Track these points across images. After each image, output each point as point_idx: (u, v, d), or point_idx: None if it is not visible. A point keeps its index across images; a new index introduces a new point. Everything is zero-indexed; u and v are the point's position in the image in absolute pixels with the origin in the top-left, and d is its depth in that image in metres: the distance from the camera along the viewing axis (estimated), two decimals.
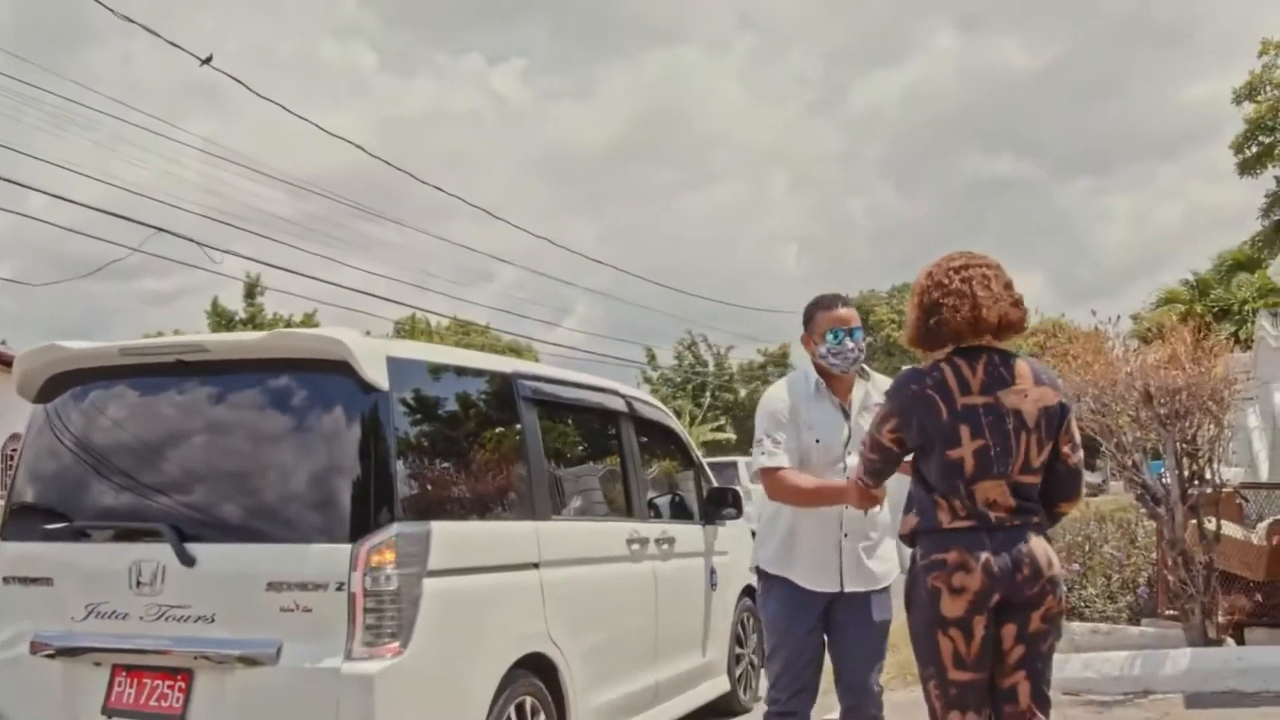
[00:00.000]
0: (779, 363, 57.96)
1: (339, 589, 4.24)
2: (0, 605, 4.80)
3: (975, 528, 3.65)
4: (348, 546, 4.27)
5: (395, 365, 4.56)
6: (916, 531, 3.78)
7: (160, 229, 16.24)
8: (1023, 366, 3.76)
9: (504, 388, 5.32)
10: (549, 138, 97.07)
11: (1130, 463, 7.47)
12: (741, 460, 28.86)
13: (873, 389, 4.66)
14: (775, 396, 4.63)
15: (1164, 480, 7.45)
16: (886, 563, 4.64)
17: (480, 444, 5.14)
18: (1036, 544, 3.69)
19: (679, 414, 46.07)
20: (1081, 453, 3.85)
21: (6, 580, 4.80)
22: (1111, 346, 7.53)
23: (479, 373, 5.26)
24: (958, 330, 3.72)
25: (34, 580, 4.72)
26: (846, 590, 4.52)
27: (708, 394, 50.70)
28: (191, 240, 17.33)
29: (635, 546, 6.07)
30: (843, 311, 4.60)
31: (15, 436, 19.53)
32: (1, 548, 4.88)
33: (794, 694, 4.53)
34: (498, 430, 5.24)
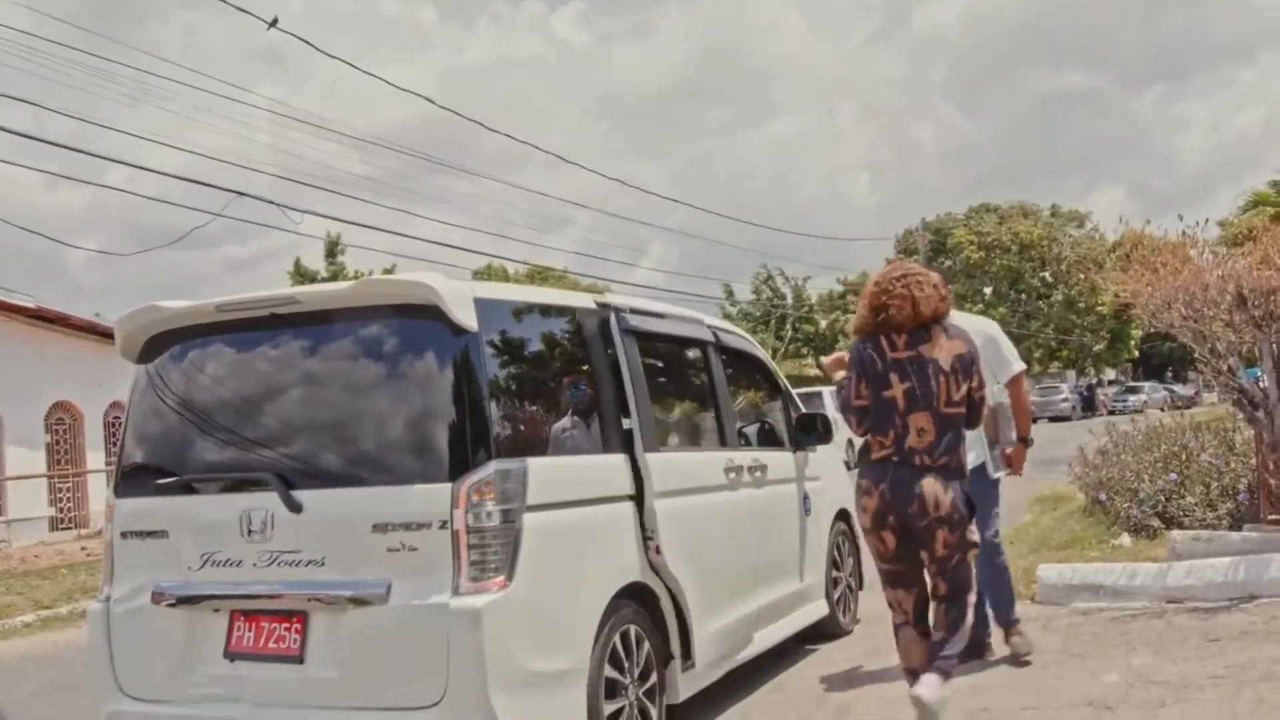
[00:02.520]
0: (859, 291, 57.43)
1: (442, 527, 4.33)
2: (120, 559, 4.99)
3: (886, 460, 4.88)
4: (448, 485, 4.36)
5: (483, 306, 4.61)
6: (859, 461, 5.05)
7: (241, 193, 16.41)
8: (936, 330, 4.93)
9: (595, 322, 5.35)
10: (611, 81, 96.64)
11: (1226, 368, 7.34)
12: (826, 390, 28.81)
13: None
14: None
15: (1261, 384, 7.31)
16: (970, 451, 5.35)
17: (572, 379, 5.20)
18: (929, 486, 4.81)
19: (766, 346, 45.96)
20: (985, 389, 5.08)
21: (125, 535, 4.97)
22: (1201, 251, 7.37)
23: (565, 310, 5.28)
24: (901, 323, 4.89)
25: (150, 534, 4.89)
26: None
27: (789, 326, 50.44)
28: (271, 202, 17.50)
29: (732, 475, 6.13)
30: None
31: (116, 404, 20.03)
32: (118, 505, 5.05)
33: None
34: (588, 365, 5.27)
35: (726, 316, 51.26)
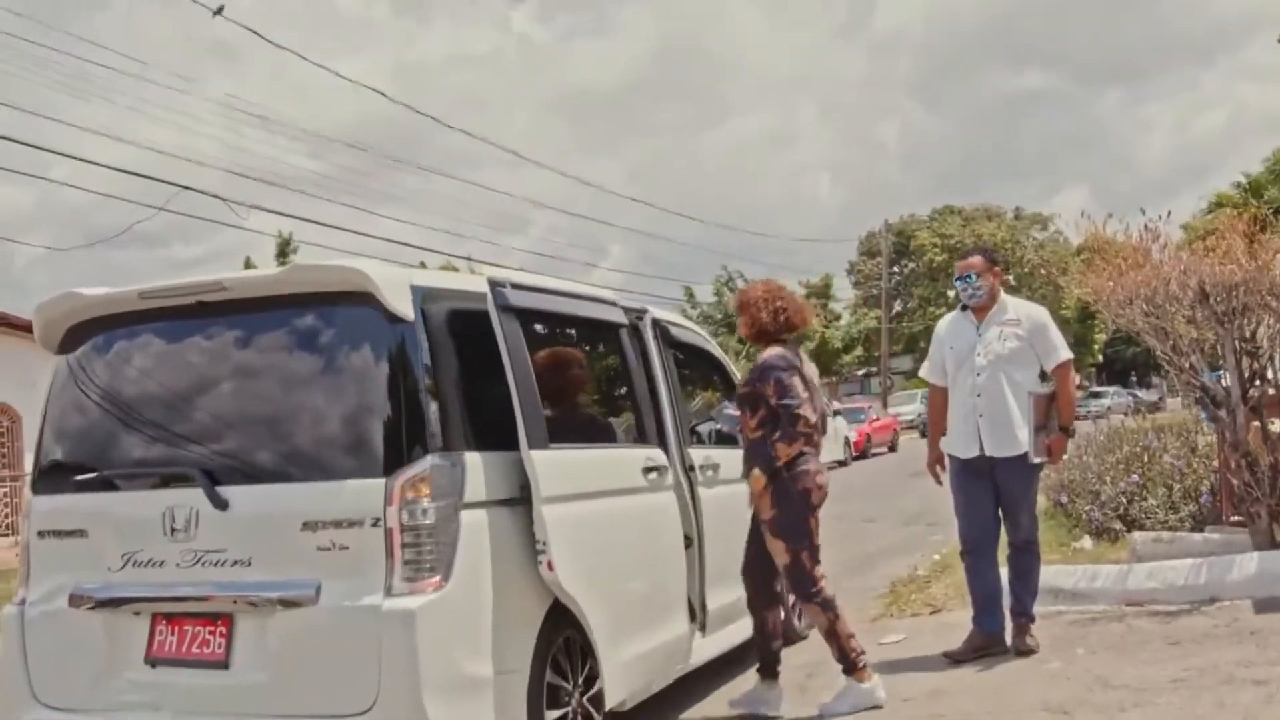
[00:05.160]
0: (821, 294, 57.50)
1: (375, 525, 4.15)
2: (37, 559, 4.76)
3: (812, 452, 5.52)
4: (381, 481, 4.18)
5: (421, 294, 4.42)
6: (789, 462, 5.44)
7: (185, 187, 16.12)
8: (802, 351, 5.70)
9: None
10: (571, 78, 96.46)
11: (1188, 365, 7.23)
12: None
13: (1000, 308, 6.30)
14: (938, 325, 6.66)
15: (1223, 382, 7.21)
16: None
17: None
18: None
19: (723, 350, 45.77)
20: None
21: (42, 534, 4.75)
22: (1163, 244, 7.26)
23: None
24: (794, 325, 5.67)
25: (68, 533, 4.66)
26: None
27: None
28: (216, 196, 17.18)
29: (654, 476, 5.47)
30: (959, 264, 6.53)
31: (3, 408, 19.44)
32: (34, 503, 4.83)
33: None
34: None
35: (687, 319, 50.97)
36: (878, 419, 35.32)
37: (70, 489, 4.69)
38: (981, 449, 6.17)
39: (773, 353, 5.56)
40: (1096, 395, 54.94)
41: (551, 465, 4.57)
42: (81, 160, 40.76)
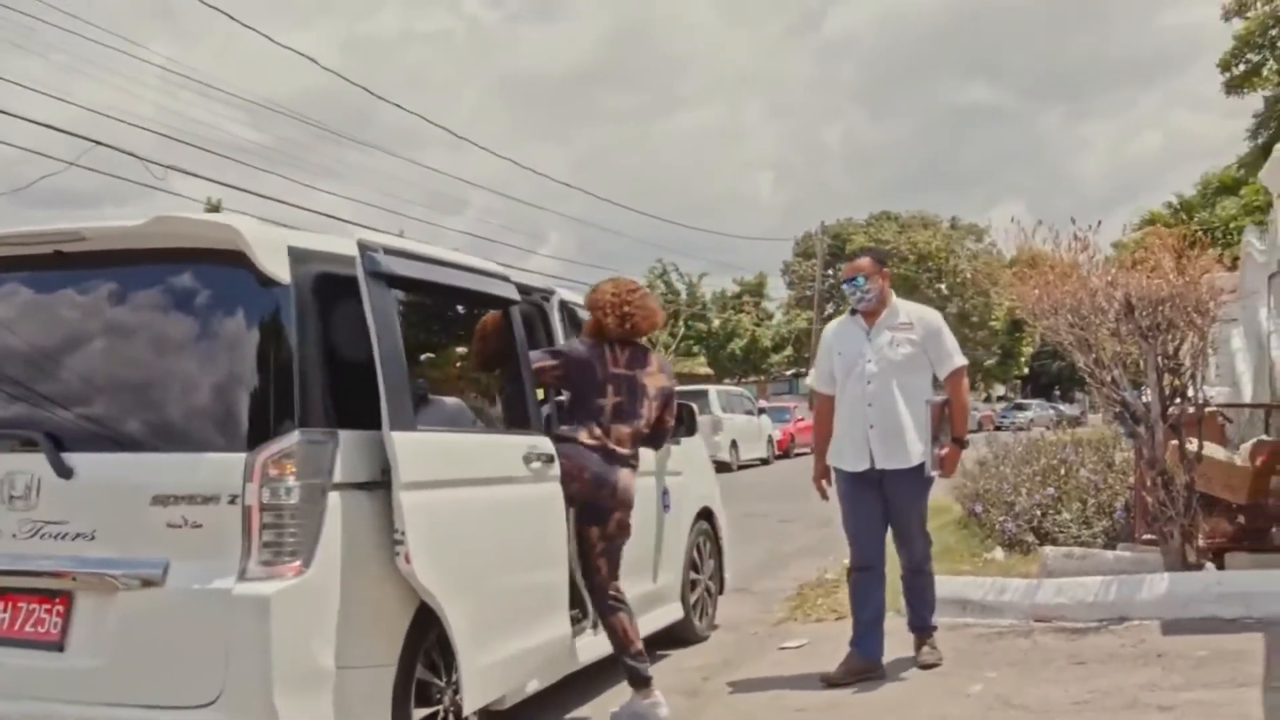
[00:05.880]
0: (755, 292, 57.55)
1: (232, 502, 3.81)
2: None
3: (595, 448, 5.32)
4: (242, 455, 3.84)
5: (299, 256, 4.08)
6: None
7: (97, 142, 15.50)
8: (653, 358, 5.61)
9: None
10: (517, 61, 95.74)
11: (1109, 379, 7.07)
12: (713, 389, 28.60)
13: (892, 312, 5.98)
14: (824, 331, 6.33)
15: (1144, 398, 7.06)
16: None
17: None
18: (624, 475, 5.37)
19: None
20: (673, 421, 5.82)
21: None
22: (1091, 255, 7.09)
23: None
24: (639, 331, 5.53)
25: None
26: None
27: (681, 323, 50.22)
28: (131, 154, 16.56)
29: (537, 465, 4.98)
30: (846, 267, 6.20)
31: None
32: None
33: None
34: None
35: None
36: (802, 419, 35.25)
37: None
38: (872, 462, 5.84)
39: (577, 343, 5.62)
40: (1020, 408, 55.50)
41: (415, 448, 4.17)
42: (6, 114, 39.24)
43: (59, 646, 3.97)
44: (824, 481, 6.17)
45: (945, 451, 5.89)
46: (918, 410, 5.82)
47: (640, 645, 5.39)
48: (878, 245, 60.00)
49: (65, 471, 3.98)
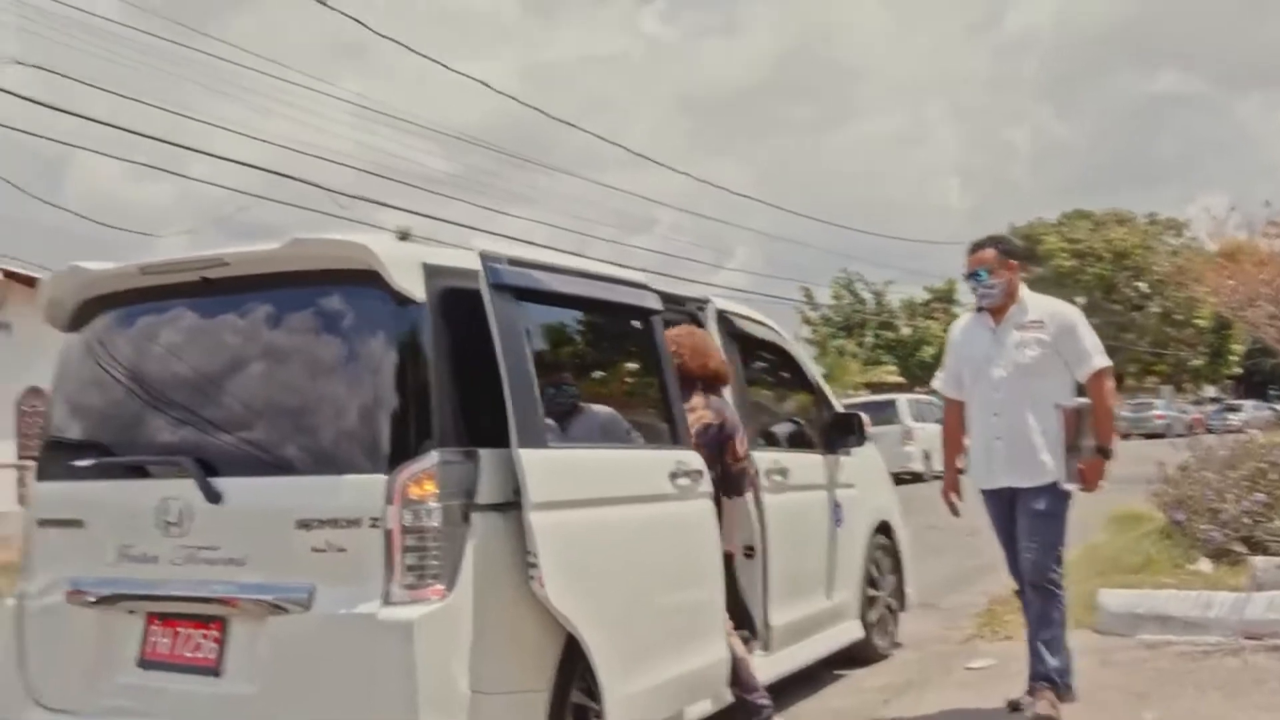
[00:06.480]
0: (945, 298, 56.19)
1: (374, 525, 3.76)
2: (37, 550, 4.48)
3: None
4: (383, 477, 3.78)
5: (433, 274, 4.01)
6: None
7: (282, 175, 16.16)
8: (696, 395, 5.26)
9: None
10: (695, 77, 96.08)
11: None
12: (903, 398, 27.91)
13: (1020, 309, 5.31)
14: (951, 329, 5.75)
15: None
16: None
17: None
18: None
19: (841, 353, 45.00)
20: (738, 463, 5.31)
21: (42, 523, 4.47)
22: None
23: None
24: (687, 368, 5.22)
25: (66, 523, 4.37)
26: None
27: (869, 333, 49.37)
28: (317, 185, 17.11)
29: (684, 482, 4.75)
30: (969, 259, 5.39)
31: (35, 391, 17.82)
32: (37, 489, 4.56)
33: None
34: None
35: (807, 322, 50.44)
36: None
37: (69, 475, 4.40)
38: (1002, 478, 5.28)
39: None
40: (1232, 409, 52.61)
41: (547, 467, 4.00)
42: (215, 157, 41.35)
43: (216, 671, 3.99)
44: (953, 494, 5.61)
45: (1088, 463, 5.16)
46: (1048, 419, 5.16)
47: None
48: (1072, 244, 58.02)
49: (214, 496, 4.00)
